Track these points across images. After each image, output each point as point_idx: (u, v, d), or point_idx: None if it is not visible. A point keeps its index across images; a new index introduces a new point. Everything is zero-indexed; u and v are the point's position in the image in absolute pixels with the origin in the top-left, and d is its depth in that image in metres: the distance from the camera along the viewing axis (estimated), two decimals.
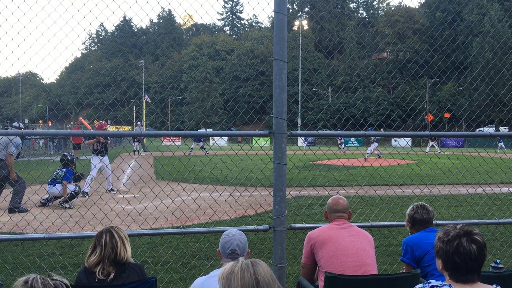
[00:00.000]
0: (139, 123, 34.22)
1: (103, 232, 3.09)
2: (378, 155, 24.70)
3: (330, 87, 63.92)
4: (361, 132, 4.88)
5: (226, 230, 3.13)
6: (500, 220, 5.13)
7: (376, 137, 23.30)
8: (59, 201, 9.86)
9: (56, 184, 9.91)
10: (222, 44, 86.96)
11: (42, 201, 9.91)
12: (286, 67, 4.02)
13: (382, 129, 31.88)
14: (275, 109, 4.00)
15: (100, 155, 11.71)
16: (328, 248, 3.50)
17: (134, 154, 27.51)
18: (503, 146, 34.26)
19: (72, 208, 9.39)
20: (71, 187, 9.96)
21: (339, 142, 34.98)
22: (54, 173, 10.15)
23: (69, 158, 10.46)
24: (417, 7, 76.58)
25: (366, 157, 24.36)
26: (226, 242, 2.98)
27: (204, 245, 6.45)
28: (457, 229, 2.29)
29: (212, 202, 8.15)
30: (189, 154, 24.69)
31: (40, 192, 9.75)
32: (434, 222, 3.88)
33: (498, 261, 3.55)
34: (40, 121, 75.06)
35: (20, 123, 9.62)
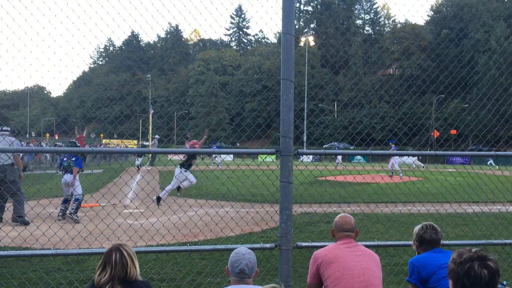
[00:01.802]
0: (157, 136, 34.33)
1: (112, 250, 3.07)
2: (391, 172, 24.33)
3: (336, 103, 63.99)
4: (368, 151, 4.93)
5: (235, 248, 3.15)
6: (507, 241, 5.14)
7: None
8: (69, 212, 10.02)
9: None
10: (229, 59, 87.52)
11: (60, 213, 10.07)
12: (293, 86, 4.10)
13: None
14: (282, 127, 4.06)
15: (184, 168, 12.17)
16: (334, 268, 3.52)
17: (138, 169, 27.14)
18: (492, 163, 34.18)
19: (80, 222, 9.46)
20: (78, 190, 10.12)
21: (337, 162, 35.22)
22: (63, 161, 10.44)
23: (78, 145, 10.89)
24: (423, 24, 76.96)
25: (392, 174, 24.17)
26: (235, 261, 3.01)
27: (210, 262, 6.46)
28: (471, 252, 2.29)
29: (218, 220, 8.17)
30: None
31: (49, 208, 9.80)
32: (441, 243, 3.90)
33: (505, 282, 3.55)
34: (47, 134, 75.41)
35: (7, 127, 9.91)
